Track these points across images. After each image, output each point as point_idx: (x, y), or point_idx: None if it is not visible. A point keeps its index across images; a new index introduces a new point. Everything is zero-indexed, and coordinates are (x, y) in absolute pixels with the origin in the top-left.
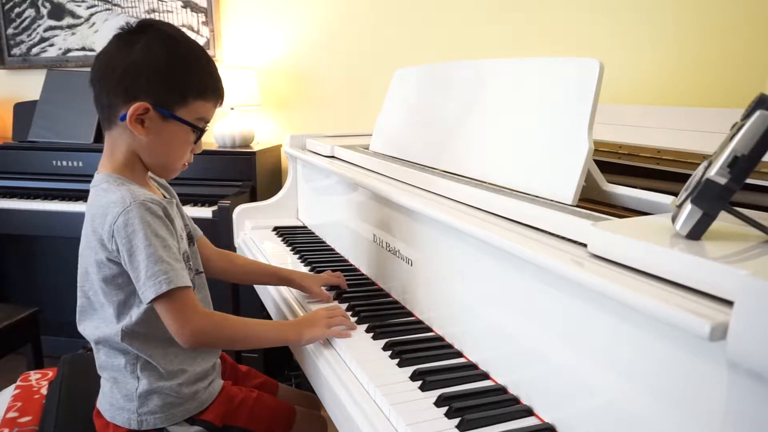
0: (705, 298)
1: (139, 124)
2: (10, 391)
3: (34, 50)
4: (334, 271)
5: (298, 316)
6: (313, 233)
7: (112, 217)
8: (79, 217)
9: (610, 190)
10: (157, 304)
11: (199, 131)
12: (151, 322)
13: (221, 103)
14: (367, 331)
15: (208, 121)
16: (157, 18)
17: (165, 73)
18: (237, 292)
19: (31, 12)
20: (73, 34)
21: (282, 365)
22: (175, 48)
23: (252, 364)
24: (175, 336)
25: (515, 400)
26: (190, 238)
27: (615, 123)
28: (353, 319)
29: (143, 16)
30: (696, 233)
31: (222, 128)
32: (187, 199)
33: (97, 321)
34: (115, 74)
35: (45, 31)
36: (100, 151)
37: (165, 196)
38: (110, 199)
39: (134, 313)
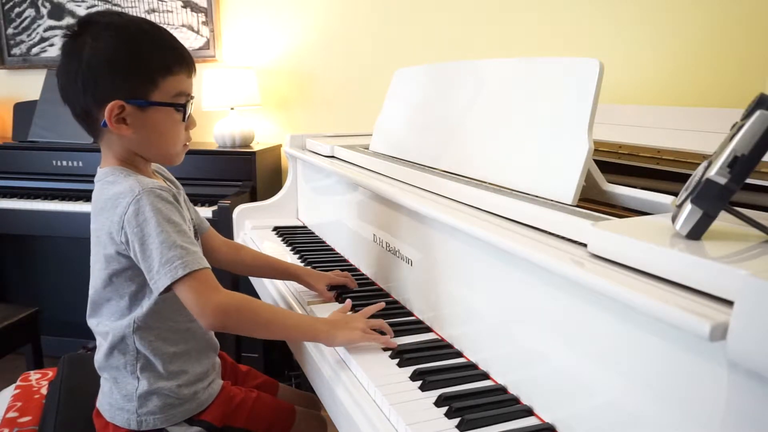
0: (705, 298)
1: (122, 123)
2: (10, 391)
3: (34, 50)
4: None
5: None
6: (313, 233)
7: (122, 209)
8: (79, 216)
9: (610, 190)
10: (176, 288)
11: (183, 107)
12: (161, 314)
13: (194, 71)
14: None
15: (188, 94)
16: (157, 18)
17: (123, 63)
18: (237, 287)
19: (31, 12)
20: None
21: (282, 365)
22: (122, 34)
23: (252, 364)
24: (197, 317)
25: (515, 400)
26: (195, 234)
27: (615, 123)
28: None
29: (143, 16)
30: (696, 233)
31: (222, 128)
32: None
33: (108, 314)
34: (78, 84)
35: (45, 31)
36: (100, 150)
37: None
38: (118, 191)
39: (145, 304)
